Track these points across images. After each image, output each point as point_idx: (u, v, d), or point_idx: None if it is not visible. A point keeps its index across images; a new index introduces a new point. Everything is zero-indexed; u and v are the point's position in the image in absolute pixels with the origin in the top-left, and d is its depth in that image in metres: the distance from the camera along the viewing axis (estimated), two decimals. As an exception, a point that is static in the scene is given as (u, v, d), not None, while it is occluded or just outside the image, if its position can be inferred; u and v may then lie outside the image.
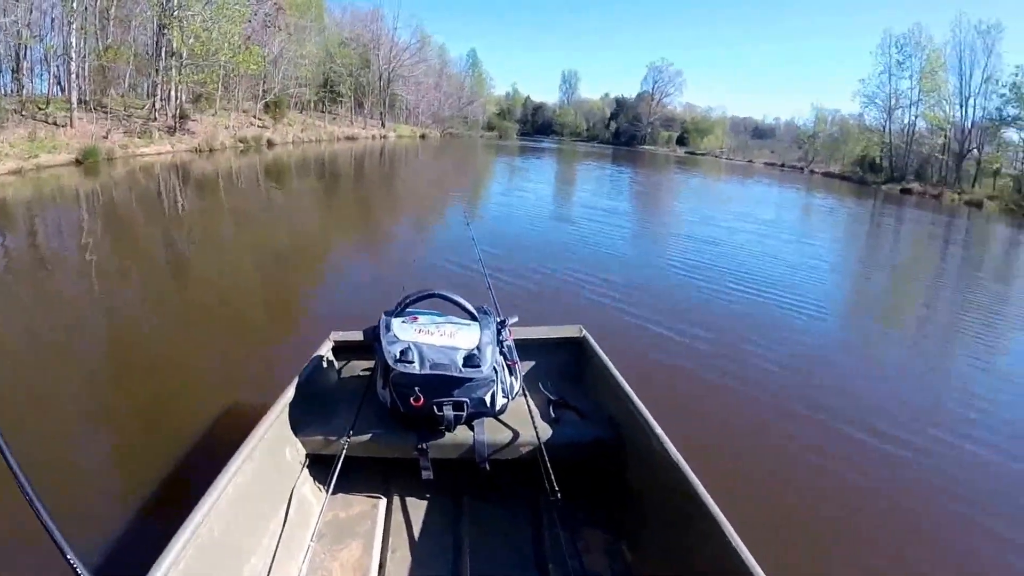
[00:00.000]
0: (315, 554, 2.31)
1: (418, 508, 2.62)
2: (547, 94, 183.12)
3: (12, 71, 26.19)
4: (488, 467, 2.50)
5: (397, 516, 2.58)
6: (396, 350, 2.52)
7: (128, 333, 6.37)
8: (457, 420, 2.52)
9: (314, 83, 51.73)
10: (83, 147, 24.70)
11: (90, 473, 3.81)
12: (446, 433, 2.56)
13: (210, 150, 31.66)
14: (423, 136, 65.58)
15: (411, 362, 2.47)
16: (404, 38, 66.28)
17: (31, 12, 26.37)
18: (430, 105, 79.24)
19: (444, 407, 2.48)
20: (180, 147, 30.38)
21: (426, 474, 2.53)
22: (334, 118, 55.58)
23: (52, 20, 27.72)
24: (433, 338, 2.56)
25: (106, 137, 26.92)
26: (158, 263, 10.03)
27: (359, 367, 3.35)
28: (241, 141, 35.45)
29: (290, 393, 2.74)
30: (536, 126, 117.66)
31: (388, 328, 2.65)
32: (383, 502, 2.64)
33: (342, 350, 3.37)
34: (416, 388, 2.47)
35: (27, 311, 7.05)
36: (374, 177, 27.91)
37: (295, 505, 2.47)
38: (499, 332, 2.73)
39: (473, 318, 2.79)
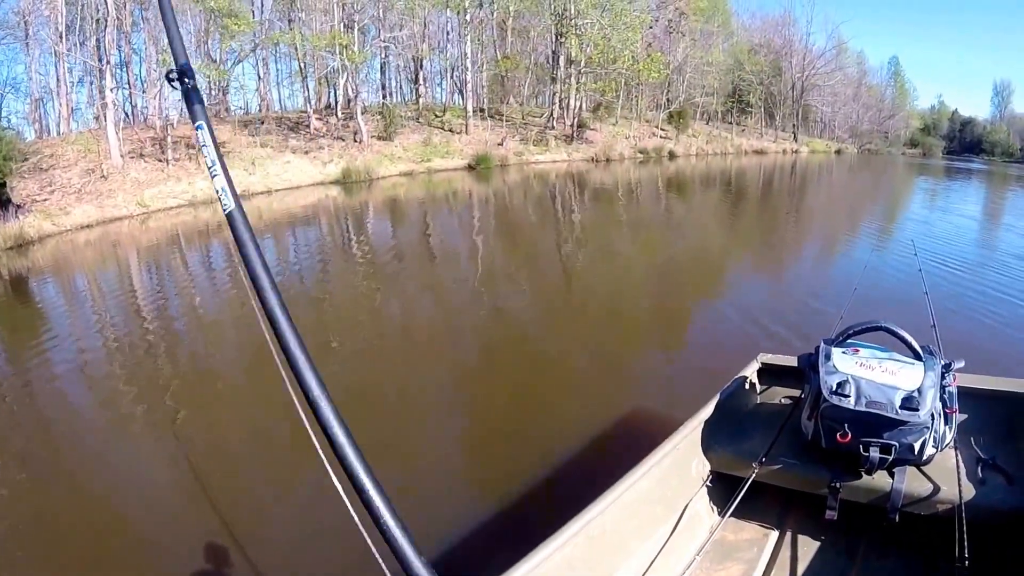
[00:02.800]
0: (695, 570, 2.31)
1: (809, 547, 2.49)
2: (977, 108, 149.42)
3: (412, 81, 26.21)
4: (897, 519, 2.27)
5: (786, 551, 2.49)
6: (833, 381, 2.37)
7: (513, 331, 6.80)
8: (880, 463, 2.30)
9: (721, 92, 47.67)
10: (476, 153, 24.08)
11: (481, 454, 4.35)
12: (863, 475, 2.35)
13: (607, 160, 29.30)
14: (838, 152, 60.67)
15: (847, 396, 2.32)
16: (819, 44, 60.89)
17: (425, 26, 27.12)
18: (847, 118, 69.89)
19: (871, 448, 2.28)
20: (576, 156, 28.61)
21: (830, 514, 2.33)
22: (742, 130, 50.73)
23: (448, 33, 27.47)
24: (873, 373, 2.36)
25: (501, 144, 25.83)
26: (547, 266, 10.22)
27: (781, 393, 3.19)
28: (640, 152, 32.41)
29: (708, 410, 2.75)
30: (963, 144, 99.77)
31: (828, 357, 2.49)
32: (775, 534, 2.56)
33: (767, 373, 3.26)
34: (846, 424, 2.30)
35: (409, 301, 8.08)
36: (785, 195, 24.36)
37: (687, 518, 2.49)
38: (943, 376, 2.43)
39: (918, 357, 2.50)
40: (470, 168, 23.81)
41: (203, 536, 3.53)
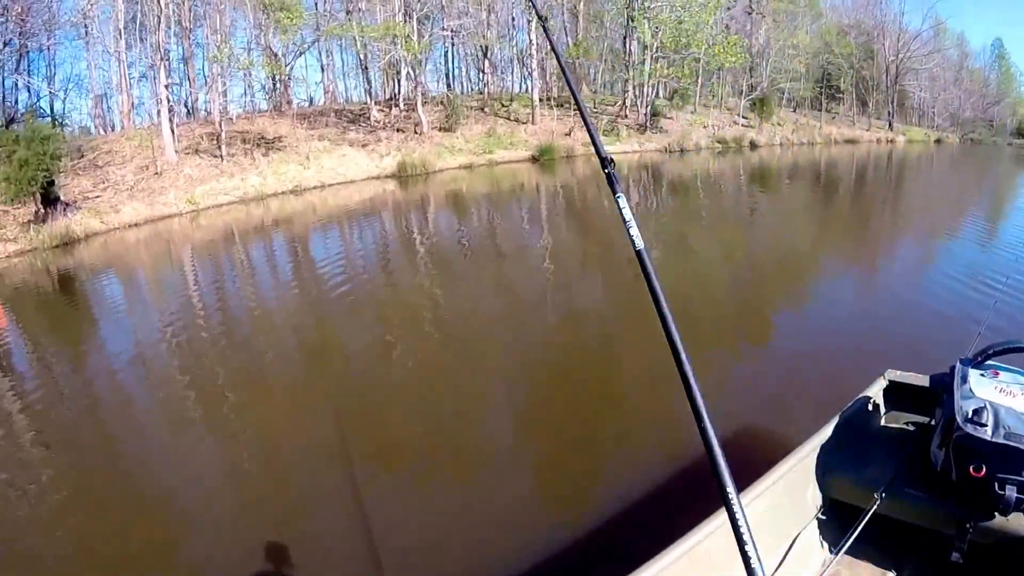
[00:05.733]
0: None
1: None
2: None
3: (479, 70, 25.01)
4: None
5: None
6: (969, 407, 2.13)
7: (591, 336, 6.24)
8: (1017, 504, 2.03)
9: (809, 78, 43.96)
10: (540, 144, 22.62)
11: (563, 468, 3.93)
12: (996, 515, 2.10)
13: (681, 151, 27.31)
14: (938, 141, 55.29)
15: (984, 425, 2.06)
16: (914, 24, 56.41)
17: (490, 13, 26.29)
18: (947, 104, 64.32)
19: (1007, 485, 2.01)
20: (649, 146, 26.71)
21: (956, 556, 2.11)
22: (832, 118, 46.93)
23: (514, 19, 26.12)
24: (1015, 401, 2.13)
25: (568, 135, 24.13)
26: (621, 266, 9.14)
27: (909, 416, 2.89)
28: (719, 142, 30.10)
29: (826, 432, 2.55)
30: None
31: (964, 380, 2.26)
32: (892, 575, 2.30)
33: (894, 393, 2.97)
34: (980, 456, 2.06)
35: (475, 301, 7.60)
36: (882, 189, 21.69)
37: (797, 550, 2.30)
38: None
39: None
40: (533, 160, 22.53)
41: (247, 532, 3.55)
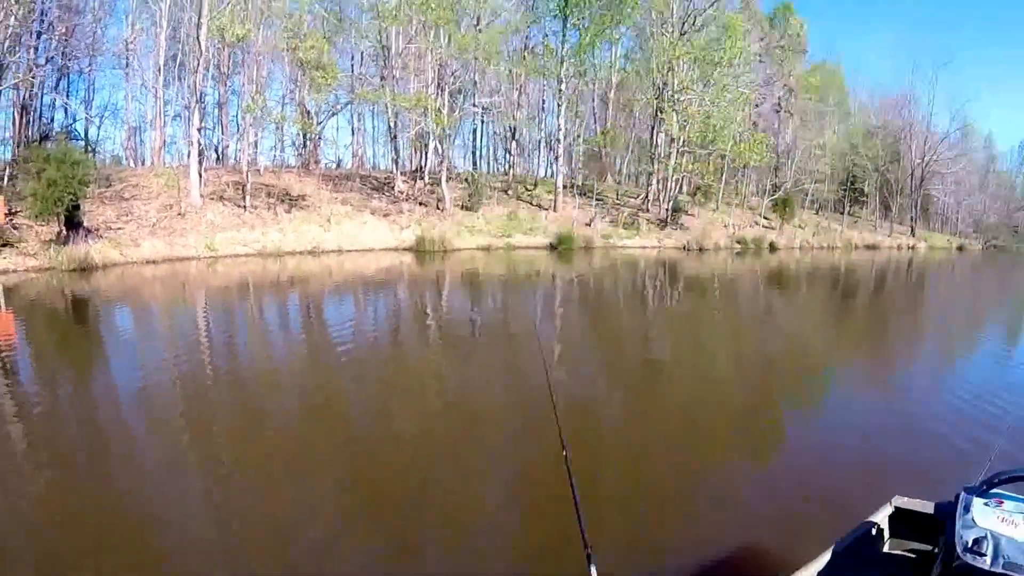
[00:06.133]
0: None
1: None
2: None
3: (506, 151, 25.21)
4: None
5: None
6: (969, 537, 2.13)
7: (588, 431, 6.13)
8: None
9: (833, 180, 44.18)
10: (559, 232, 22.63)
11: None
12: None
13: (700, 249, 27.23)
14: (960, 248, 55.33)
15: (983, 554, 2.07)
16: (942, 126, 55.26)
17: (521, 94, 26.70)
18: (971, 210, 64.21)
19: None
20: (668, 243, 26.68)
21: None
22: (855, 221, 47.04)
23: (543, 103, 26.35)
24: (1017, 531, 2.12)
25: (588, 224, 24.28)
26: (629, 365, 9.44)
27: (911, 544, 2.91)
28: (738, 242, 30.06)
29: (826, 556, 2.51)
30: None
31: (967, 509, 2.26)
32: None
33: (899, 520, 2.95)
34: None
35: (478, 384, 7.72)
36: (899, 300, 21.10)
37: None
38: None
39: None
40: (551, 248, 22.59)
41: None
